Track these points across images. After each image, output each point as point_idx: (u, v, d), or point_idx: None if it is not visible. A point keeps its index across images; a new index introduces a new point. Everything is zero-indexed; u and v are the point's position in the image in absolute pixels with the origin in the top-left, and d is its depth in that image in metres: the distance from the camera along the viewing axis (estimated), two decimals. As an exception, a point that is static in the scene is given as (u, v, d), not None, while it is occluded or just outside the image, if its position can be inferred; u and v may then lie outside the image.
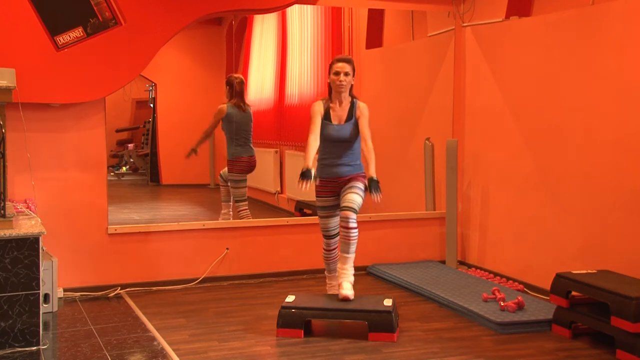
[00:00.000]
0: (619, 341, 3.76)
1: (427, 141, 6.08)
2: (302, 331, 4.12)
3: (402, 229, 5.98)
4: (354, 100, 4.41)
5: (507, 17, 5.44)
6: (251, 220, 5.85)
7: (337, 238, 4.49)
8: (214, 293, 5.15)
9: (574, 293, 4.15)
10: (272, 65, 8.66)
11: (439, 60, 6.25)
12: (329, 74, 4.39)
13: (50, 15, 4.73)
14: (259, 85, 9.08)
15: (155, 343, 3.98)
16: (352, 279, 4.34)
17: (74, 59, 4.80)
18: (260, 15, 8.65)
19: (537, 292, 5.05)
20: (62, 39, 4.78)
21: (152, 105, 10.16)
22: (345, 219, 4.26)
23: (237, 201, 6.24)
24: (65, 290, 4.98)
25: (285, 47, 8.19)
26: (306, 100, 7.67)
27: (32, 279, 3.83)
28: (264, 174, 8.41)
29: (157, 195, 9.68)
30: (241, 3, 5.29)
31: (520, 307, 4.48)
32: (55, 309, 4.62)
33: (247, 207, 6.17)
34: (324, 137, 4.40)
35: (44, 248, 4.20)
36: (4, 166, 3.83)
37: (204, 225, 5.47)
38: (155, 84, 9.92)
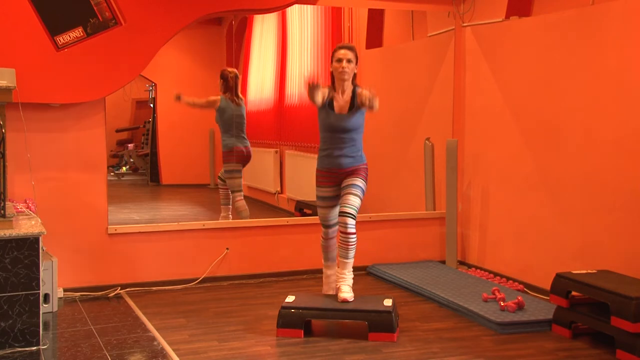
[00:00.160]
0: (619, 341, 3.76)
1: (427, 141, 6.08)
2: (302, 331, 4.12)
3: (402, 229, 5.98)
4: (356, 88, 4.32)
5: (507, 17, 5.44)
6: (251, 220, 5.85)
7: (336, 227, 4.45)
8: (214, 293, 5.15)
9: (574, 293, 4.15)
10: (272, 65, 8.66)
11: (439, 60, 6.25)
12: (331, 62, 4.31)
13: (50, 15, 4.73)
14: (259, 85, 9.08)
15: (155, 343, 3.98)
16: (350, 282, 4.34)
17: (74, 59, 4.80)
18: (260, 15, 8.65)
19: (537, 292, 5.05)
20: (62, 39, 4.78)
21: (152, 105, 10.16)
22: (344, 225, 4.24)
23: (232, 191, 6.27)
24: (65, 290, 4.98)
25: (285, 47, 8.19)
26: (306, 100, 7.66)
27: (32, 279, 3.83)
28: (264, 174, 8.41)
29: (157, 195, 9.67)
30: (241, 3, 5.29)
31: (520, 307, 4.48)
32: (55, 309, 4.62)
33: (242, 198, 6.23)
34: (325, 127, 4.32)
35: (44, 248, 4.20)
36: (4, 166, 3.83)
37: (204, 225, 5.47)
38: (155, 84, 9.92)
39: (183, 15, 5.06)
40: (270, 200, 8.26)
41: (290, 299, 4.25)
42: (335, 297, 4.30)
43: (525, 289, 5.15)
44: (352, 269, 4.36)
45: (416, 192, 6.34)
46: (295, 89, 7.96)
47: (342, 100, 4.29)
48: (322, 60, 7.39)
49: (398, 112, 6.91)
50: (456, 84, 6.06)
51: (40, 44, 4.72)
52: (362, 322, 4.11)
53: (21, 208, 4.50)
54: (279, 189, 8.20)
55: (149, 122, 10.42)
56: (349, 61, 4.25)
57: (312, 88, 4.11)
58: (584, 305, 4.13)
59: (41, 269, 3.88)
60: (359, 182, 4.32)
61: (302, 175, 7.55)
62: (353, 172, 4.33)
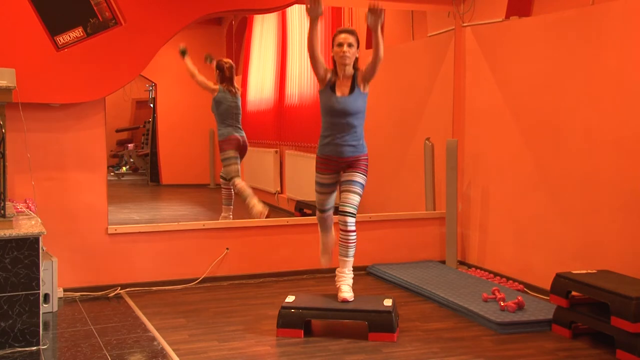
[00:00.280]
0: (619, 341, 3.76)
1: (427, 141, 6.09)
2: (302, 331, 4.12)
3: (402, 229, 5.97)
4: (356, 72, 4.26)
5: (507, 17, 5.44)
6: (251, 220, 5.85)
7: (331, 212, 4.49)
8: (214, 293, 5.15)
9: (574, 293, 4.15)
10: (272, 65, 8.67)
11: (439, 60, 6.25)
12: (332, 46, 4.25)
13: (50, 15, 4.73)
14: (259, 85, 9.09)
15: (155, 343, 3.98)
16: (351, 282, 4.33)
17: (74, 59, 4.80)
18: (260, 15, 8.66)
19: (537, 292, 5.05)
20: (62, 39, 4.78)
21: (152, 105, 10.17)
22: (344, 223, 4.25)
23: (231, 178, 6.26)
24: (65, 290, 4.98)
25: (285, 47, 8.20)
26: (306, 100, 7.68)
27: (32, 279, 3.83)
28: (264, 174, 8.42)
29: (157, 195, 9.69)
30: (241, 3, 5.29)
31: (520, 307, 4.48)
32: (55, 309, 4.62)
33: (240, 181, 6.24)
34: (326, 110, 4.26)
35: (44, 248, 4.20)
36: (4, 166, 3.83)
37: (204, 225, 5.47)
38: (155, 84, 9.93)
39: (183, 15, 5.06)
40: (270, 200, 8.27)
41: (290, 299, 4.25)
42: (335, 297, 4.30)
43: (525, 289, 5.15)
44: (352, 268, 4.36)
45: (416, 192, 6.34)
46: (295, 89, 7.96)
47: (343, 86, 4.24)
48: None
49: (398, 112, 6.92)
50: (456, 84, 6.07)
51: (40, 44, 4.72)
52: (362, 322, 4.11)
53: (21, 208, 4.50)
54: (279, 189, 8.21)
55: (149, 122, 10.43)
56: (350, 45, 4.19)
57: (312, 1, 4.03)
58: (584, 305, 4.13)
59: (41, 269, 3.88)
60: (359, 177, 4.29)
61: (302, 175, 7.56)
62: (353, 165, 4.29)
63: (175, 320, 4.45)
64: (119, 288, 5.11)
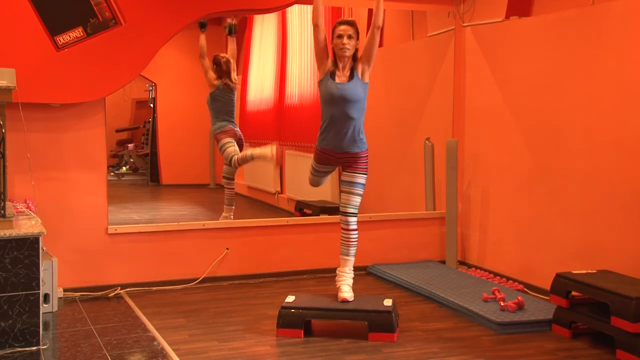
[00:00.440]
0: (619, 341, 3.76)
1: (427, 141, 6.09)
2: (302, 331, 4.12)
3: (402, 229, 5.98)
4: (355, 62, 4.24)
5: (507, 17, 5.44)
6: (251, 220, 5.84)
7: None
8: (214, 293, 5.15)
9: (574, 293, 4.15)
10: (272, 65, 8.67)
11: (439, 60, 6.25)
12: (332, 38, 4.24)
13: (50, 15, 4.73)
14: (259, 85, 9.09)
15: (155, 343, 3.98)
16: (351, 282, 4.34)
17: (74, 59, 4.80)
18: (260, 15, 8.67)
19: (537, 292, 5.05)
20: (62, 39, 4.78)
21: (152, 105, 10.17)
22: (346, 222, 4.27)
23: (232, 158, 6.23)
24: (65, 290, 4.98)
25: (285, 47, 8.20)
26: (306, 100, 7.68)
27: (32, 279, 3.83)
28: (264, 174, 8.42)
29: (157, 195, 9.69)
30: (241, 3, 5.29)
31: (520, 307, 4.48)
32: (55, 309, 4.62)
33: (238, 155, 6.22)
34: (326, 98, 4.23)
35: (44, 248, 4.20)
36: (4, 166, 3.83)
37: (204, 225, 5.47)
38: (155, 84, 9.93)
39: (183, 15, 5.06)
40: (270, 200, 8.27)
41: (290, 299, 4.25)
42: (335, 297, 4.30)
43: (525, 289, 5.15)
44: (352, 268, 4.36)
45: (416, 192, 6.34)
46: (295, 89, 7.96)
47: (342, 76, 4.22)
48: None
49: (398, 112, 6.92)
50: (456, 84, 6.07)
51: (40, 44, 4.72)
52: (362, 322, 4.11)
53: (21, 208, 4.50)
54: (279, 189, 8.21)
55: (149, 122, 10.43)
56: (349, 37, 4.18)
57: None
58: (584, 305, 4.13)
59: (41, 269, 3.88)
60: (360, 178, 4.28)
61: (302, 175, 7.54)
62: (352, 164, 4.28)
63: (175, 320, 4.45)
64: (119, 288, 5.11)
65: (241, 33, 9.49)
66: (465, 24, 5.94)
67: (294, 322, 4.12)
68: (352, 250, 4.31)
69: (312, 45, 7.52)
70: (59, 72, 4.77)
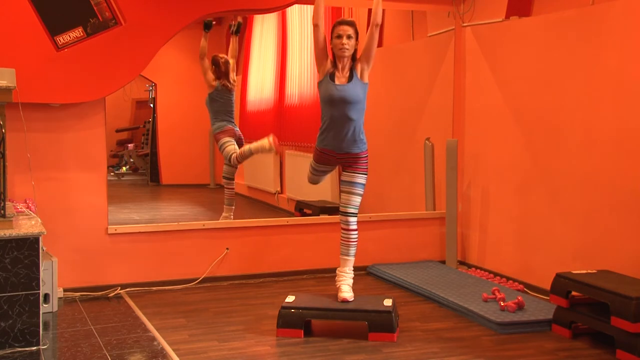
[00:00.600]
0: (619, 341, 3.76)
1: (427, 141, 6.09)
2: (302, 331, 4.12)
3: (402, 229, 5.98)
4: (355, 62, 4.24)
5: (507, 17, 5.44)
6: (251, 220, 5.84)
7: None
8: (214, 293, 5.15)
9: (574, 293, 4.15)
10: (272, 65, 8.67)
11: (439, 60, 6.25)
12: (331, 38, 4.23)
13: (50, 15, 4.73)
14: (259, 85, 9.09)
15: (155, 343, 3.98)
16: (351, 282, 4.34)
17: (74, 59, 4.80)
18: (260, 15, 8.66)
19: (537, 292, 5.05)
20: (62, 39, 4.78)
21: (152, 105, 10.17)
22: (346, 222, 4.27)
23: (231, 156, 6.24)
24: (65, 290, 4.98)
25: (285, 47, 8.19)
26: (306, 100, 7.67)
27: (32, 279, 3.83)
28: (264, 174, 8.42)
29: (157, 195, 9.69)
30: (241, 3, 5.29)
31: (520, 307, 4.48)
32: (55, 309, 4.62)
33: (239, 150, 6.23)
34: (325, 100, 4.23)
35: (44, 248, 4.20)
36: (4, 166, 3.83)
37: (204, 225, 5.47)
38: (155, 84, 9.93)
39: (183, 15, 5.06)
40: (270, 200, 8.27)
41: (290, 299, 4.25)
42: (335, 297, 4.30)
43: (525, 289, 5.15)
44: (352, 268, 4.36)
45: (416, 192, 6.34)
46: (295, 89, 7.96)
47: (341, 77, 4.22)
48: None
49: (398, 112, 6.92)
50: (456, 84, 6.07)
51: (40, 44, 4.72)
52: (362, 322, 4.11)
53: (21, 208, 4.50)
54: (279, 189, 8.21)
55: (149, 122, 10.44)
56: (349, 37, 4.17)
57: None
58: (584, 305, 4.14)
59: (41, 269, 3.88)
60: (360, 178, 4.28)
61: (302, 175, 7.54)
62: (352, 164, 4.28)
63: (175, 320, 4.45)
64: (119, 288, 5.11)
65: (241, 33, 9.49)
66: (465, 24, 5.94)
67: (294, 322, 4.12)
68: (352, 250, 4.31)
69: (312, 45, 7.54)
70: (59, 72, 4.77)
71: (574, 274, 4.19)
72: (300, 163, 7.62)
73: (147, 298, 5.00)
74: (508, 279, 5.40)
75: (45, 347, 3.87)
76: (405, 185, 6.71)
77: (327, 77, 4.23)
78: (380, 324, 4.04)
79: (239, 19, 6.59)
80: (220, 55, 6.47)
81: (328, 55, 4.28)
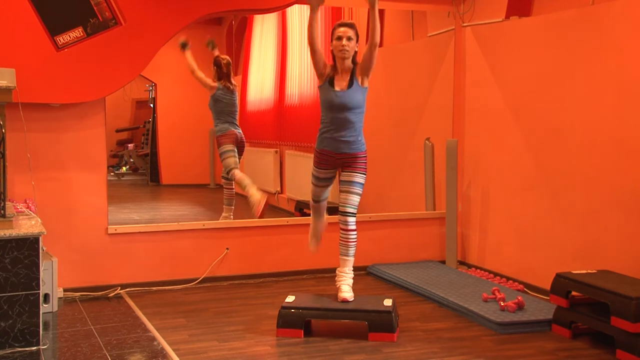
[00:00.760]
0: (619, 341, 3.76)
1: (427, 141, 6.09)
2: (302, 331, 4.12)
3: (402, 229, 5.98)
4: (355, 66, 4.23)
5: (507, 17, 5.44)
6: (251, 220, 5.85)
7: (325, 201, 4.56)
8: (214, 293, 5.15)
9: (574, 293, 4.15)
10: (272, 65, 8.66)
11: (439, 60, 6.25)
12: (331, 40, 4.23)
13: (50, 15, 4.73)
14: (259, 85, 9.09)
15: (155, 343, 3.98)
16: (350, 282, 4.33)
17: (74, 59, 4.80)
18: (260, 15, 8.66)
19: (537, 292, 5.05)
20: (62, 39, 4.78)
21: (152, 105, 10.16)
22: (345, 222, 4.27)
23: (230, 170, 6.26)
24: (65, 290, 4.98)
25: (285, 47, 8.19)
26: (306, 100, 7.68)
27: (32, 279, 3.83)
28: (264, 174, 8.42)
29: (157, 195, 9.68)
30: (241, 3, 5.29)
31: (520, 307, 4.48)
32: (55, 309, 4.62)
33: (238, 172, 6.25)
34: (325, 104, 4.23)
35: (44, 248, 4.20)
36: (4, 166, 3.83)
37: (204, 225, 5.47)
38: (155, 84, 9.93)
39: (183, 15, 5.06)
40: (270, 200, 8.26)
41: (290, 299, 4.25)
42: (335, 297, 4.30)
43: (525, 289, 5.15)
44: (352, 268, 4.36)
45: (416, 192, 6.34)
46: (295, 89, 7.96)
47: (342, 80, 4.21)
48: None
49: (398, 112, 6.92)
50: (456, 84, 6.07)
51: (40, 44, 4.72)
52: (362, 322, 4.11)
53: (21, 208, 4.50)
54: (279, 189, 8.21)
55: (149, 122, 10.43)
56: (349, 39, 4.17)
57: None
58: (584, 305, 4.14)
59: (41, 269, 3.88)
60: (359, 177, 4.28)
61: (302, 175, 7.55)
62: (351, 164, 4.28)
63: (175, 320, 4.45)
64: (119, 288, 5.11)
65: (241, 33, 9.50)
66: (465, 24, 5.94)
67: (294, 322, 4.12)
68: (352, 250, 4.31)
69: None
70: (59, 72, 4.77)
71: (574, 274, 4.19)
72: (300, 163, 7.62)
73: (147, 298, 5.00)
74: (508, 279, 5.40)
75: (45, 347, 3.87)
76: (405, 185, 6.71)
77: (326, 83, 4.23)
78: (380, 324, 4.04)
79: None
80: (222, 56, 6.47)
81: (327, 64, 4.27)
